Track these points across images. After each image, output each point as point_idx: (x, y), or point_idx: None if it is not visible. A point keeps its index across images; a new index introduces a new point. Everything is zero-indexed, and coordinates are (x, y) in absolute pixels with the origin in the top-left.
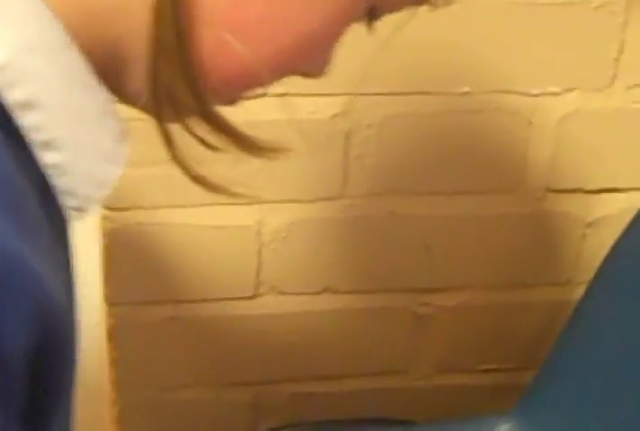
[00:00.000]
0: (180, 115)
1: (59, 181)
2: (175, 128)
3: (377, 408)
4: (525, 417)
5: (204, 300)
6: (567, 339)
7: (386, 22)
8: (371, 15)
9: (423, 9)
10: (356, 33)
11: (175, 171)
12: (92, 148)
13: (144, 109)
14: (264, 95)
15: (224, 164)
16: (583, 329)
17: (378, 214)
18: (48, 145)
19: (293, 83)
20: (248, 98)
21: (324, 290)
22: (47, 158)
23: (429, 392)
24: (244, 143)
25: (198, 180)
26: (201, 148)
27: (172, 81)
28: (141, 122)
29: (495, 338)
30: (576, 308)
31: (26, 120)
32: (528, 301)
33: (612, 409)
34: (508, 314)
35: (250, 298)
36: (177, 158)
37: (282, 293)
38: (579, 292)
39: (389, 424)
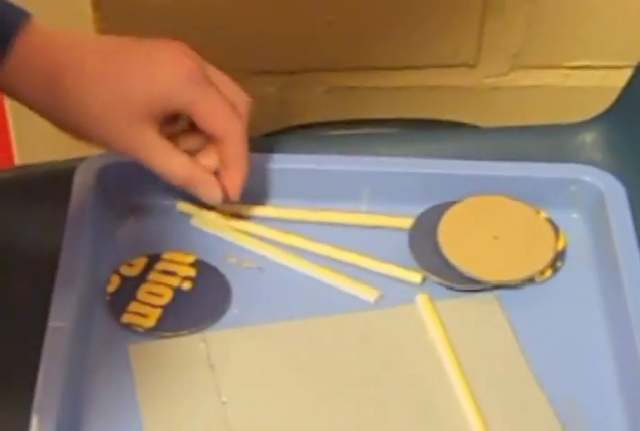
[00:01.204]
0: None
1: None
2: None
3: (435, 109)
4: (613, 126)
5: None
6: None
7: None
8: None
9: None
10: None
11: None
12: None
13: None
14: None
15: None
16: None
17: None
18: None
19: None
20: None
21: None
22: None
23: (500, 93)
24: None
25: None
26: None
27: None
28: None
29: (585, 29)
30: None
31: None
32: None
33: None
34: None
35: None
36: None
37: None
38: None
39: (447, 127)
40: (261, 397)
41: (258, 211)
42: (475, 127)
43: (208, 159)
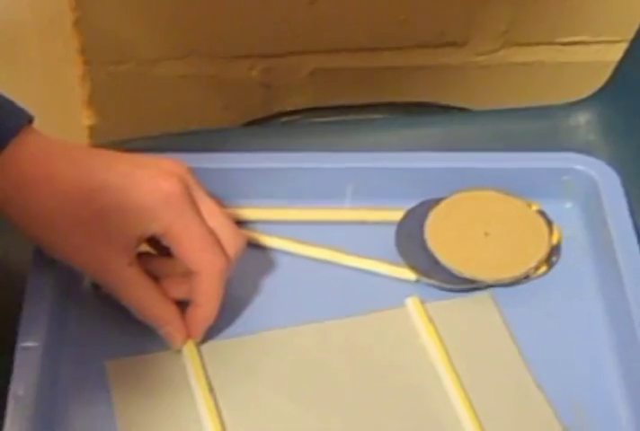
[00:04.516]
0: None
1: None
2: None
3: (423, 90)
4: (607, 105)
5: None
6: None
7: None
8: None
9: None
10: None
11: None
12: None
13: None
14: None
15: None
16: None
17: None
18: None
19: None
20: None
21: None
22: None
23: (491, 71)
24: None
25: None
26: None
27: None
28: None
29: (578, 3)
30: None
31: None
32: None
33: None
34: None
35: None
36: None
37: None
38: None
39: (435, 111)
40: (254, 410)
41: (237, 214)
42: (464, 110)
43: (179, 291)
